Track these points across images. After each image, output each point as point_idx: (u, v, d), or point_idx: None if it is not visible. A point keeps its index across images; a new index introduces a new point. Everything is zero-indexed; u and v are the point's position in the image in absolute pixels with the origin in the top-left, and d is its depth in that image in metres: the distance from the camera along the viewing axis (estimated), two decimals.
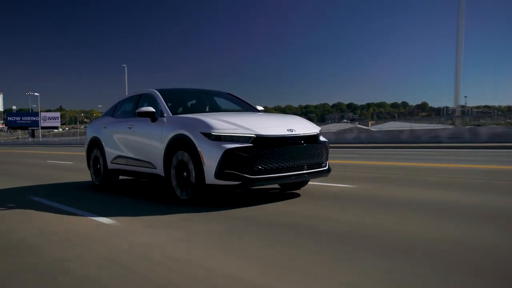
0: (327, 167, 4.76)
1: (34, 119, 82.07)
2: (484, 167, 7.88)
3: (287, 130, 4.42)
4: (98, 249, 2.93)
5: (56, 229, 3.61)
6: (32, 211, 4.54)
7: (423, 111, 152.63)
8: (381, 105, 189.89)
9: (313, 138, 4.62)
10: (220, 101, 6.10)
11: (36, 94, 74.28)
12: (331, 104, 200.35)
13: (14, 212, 4.53)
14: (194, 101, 5.92)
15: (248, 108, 5.97)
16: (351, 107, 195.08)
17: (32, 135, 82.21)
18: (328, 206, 4.25)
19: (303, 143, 4.47)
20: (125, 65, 35.28)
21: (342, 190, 5.28)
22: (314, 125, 4.90)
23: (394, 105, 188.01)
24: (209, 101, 5.93)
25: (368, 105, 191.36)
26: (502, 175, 6.50)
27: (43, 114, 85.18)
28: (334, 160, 9.22)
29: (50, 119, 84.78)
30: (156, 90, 5.56)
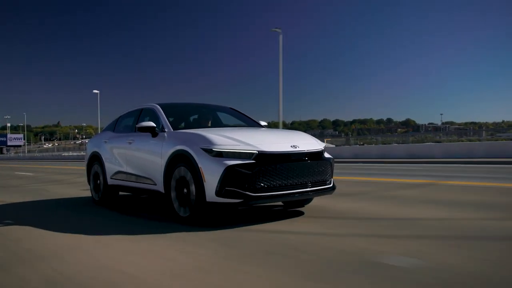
0: (331, 185, 4.25)
1: (2, 139, 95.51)
2: None
3: (291, 146, 3.93)
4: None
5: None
6: None
7: (406, 127, 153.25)
8: (364, 121, 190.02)
9: (318, 155, 4.13)
10: (222, 116, 5.60)
11: (8, 116, 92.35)
12: (319, 120, 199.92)
13: None
14: (196, 116, 5.42)
15: (251, 123, 5.46)
16: (336, 123, 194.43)
17: (0, 151, 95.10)
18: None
19: (307, 160, 3.98)
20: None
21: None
22: (319, 141, 4.40)
23: (379, 122, 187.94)
24: (212, 116, 5.43)
25: (352, 122, 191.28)
26: None
27: (9, 135, 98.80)
28: None
29: (15, 139, 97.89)
30: (158, 104, 5.07)
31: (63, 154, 50.78)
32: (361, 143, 28.11)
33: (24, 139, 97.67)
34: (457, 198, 5.32)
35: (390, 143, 24.22)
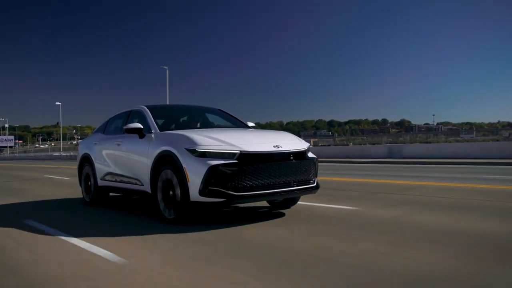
0: (315, 184, 4.27)
1: None
2: None
3: (273, 146, 3.95)
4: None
5: None
6: None
7: (400, 128, 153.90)
8: (359, 122, 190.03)
9: (301, 155, 4.14)
10: (211, 117, 5.60)
11: (2, 118, 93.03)
12: (315, 120, 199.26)
13: None
14: (185, 118, 5.43)
15: (238, 124, 5.48)
16: (331, 124, 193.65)
17: None
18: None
19: (291, 159, 3.99)
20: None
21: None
22: (303, 141, 4.42)
23: (374, 122, 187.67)
24: (201, 117, 5.44)
25: (347, 123, 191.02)
26: None
27: (1, 137, 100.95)
28: None
29: (6, 141, 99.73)
30: (145, 106, 5.08)
31: (54, 154, 53.25)
32: (345, 143, 28.67)
33: (7, 140, 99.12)
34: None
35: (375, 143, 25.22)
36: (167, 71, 32.65)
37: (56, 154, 52.02)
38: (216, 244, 3.11)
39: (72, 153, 46.73)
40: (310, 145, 4.54)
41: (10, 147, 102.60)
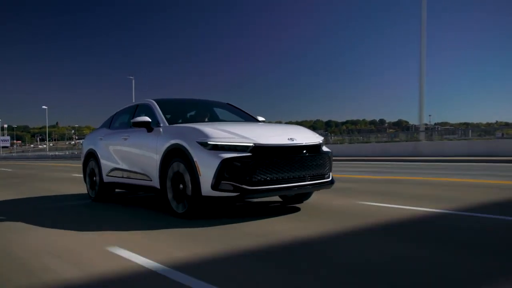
0: (330, 179, 4.12)
1: None
2: None
3: (288, 139, 3.79)
4: None
5: None
6: None
7: (397, 128, 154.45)
8: (357, 122, 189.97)
9: (315, 148, 3.99)
10: (220, 111, 5.42)
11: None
12: (314, 121, 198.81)
13: None
14: (193, 112, 5.25)
15: (248, 118, 5.31)
16: (329, 124, 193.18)
17: None
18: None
19: (305, 153, 3.83)
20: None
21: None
22: (317, 135, 4.27)
23: (372, 122, 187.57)
24: (209, 112, 5.26)
25: (344, 123, 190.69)
26: None
27: None
28: None
29: (3, 141, 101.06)
30: (153, 99, 4.92)
31: (47, 154, 56.33)
32: (338, 142, 28.74)
33: (4, 141, 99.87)
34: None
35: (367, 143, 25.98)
36: (133, 81, 37.03)
37: (51, 154, 54.92)
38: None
39: (67, 153, 50.02)
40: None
41: (6, 147, 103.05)
